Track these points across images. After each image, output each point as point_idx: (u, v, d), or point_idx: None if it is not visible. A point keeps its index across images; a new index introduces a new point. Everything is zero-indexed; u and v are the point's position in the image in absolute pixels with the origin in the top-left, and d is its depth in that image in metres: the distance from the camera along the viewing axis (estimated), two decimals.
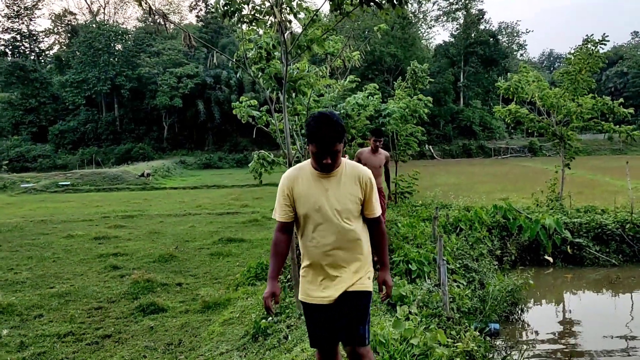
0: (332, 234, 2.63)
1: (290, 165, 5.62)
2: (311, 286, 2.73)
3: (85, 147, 47.45)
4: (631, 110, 10.82)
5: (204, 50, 48.61)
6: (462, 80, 54.41)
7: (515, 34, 65.50)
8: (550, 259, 8.68)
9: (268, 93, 6.00)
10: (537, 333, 6.08)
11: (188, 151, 48.64)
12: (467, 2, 56.55)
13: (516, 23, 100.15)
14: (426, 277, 5.87)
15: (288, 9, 5.01)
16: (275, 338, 4.53)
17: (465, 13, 56.84)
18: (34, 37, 57.57)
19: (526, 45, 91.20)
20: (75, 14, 60.75)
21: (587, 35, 10.80)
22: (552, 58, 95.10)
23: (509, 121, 12.22)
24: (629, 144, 44.64)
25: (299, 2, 5.03)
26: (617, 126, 10.84)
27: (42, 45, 59.68)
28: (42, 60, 58.82)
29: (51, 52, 60.18)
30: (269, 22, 5.14)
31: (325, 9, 5.84)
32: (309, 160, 2.69)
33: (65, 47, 58.14)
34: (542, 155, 46.96)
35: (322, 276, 2.70)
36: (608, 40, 10.50)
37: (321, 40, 5.31)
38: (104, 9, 59.54)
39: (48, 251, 9.91)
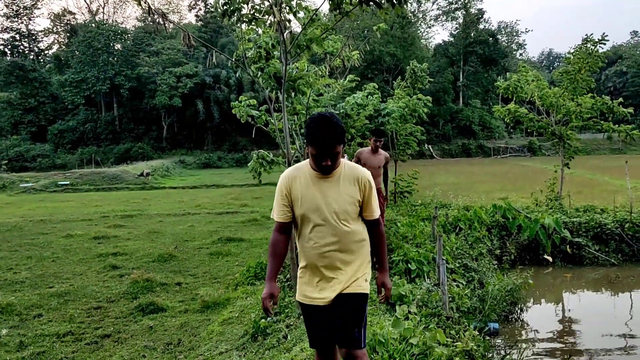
0: (330, 235, 2.60)
1: (289, 165, 5.62)
2: (308, 287, 2.72)
3: (84, 146, 47.42)
4: (630, 109, 10.83)
5: (203, 50, 48.60)
6: (461, 79, 54.42)
7: (514, 34, 65.69)
8: (550, 259, 8.69)
9: (267, 92, 6.00)
10: (536, 332, 6.08)
11: (187, 151, 48.62)
12: (466, 1, 56.59)
13: (515, 22, 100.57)
14: (425, 277, 5.87)
15: (287, 8, 5.01)
16: (275, 338, 4.53)
17: (464, 12, 56.87)
18: (33, 37, 57.51)
19: (525, 44, 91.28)
20: (74, 14, 60.80)
21: (586, 34, 10.81)
22: (551, 57, 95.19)
23: (508, 121, 12.23)
24: (628, 144, 44.66)
25: (299, 1, 5.03)
26: (617, 126, 10.85)
27: (41, 45, 59.69)
28: (41, 60, 58.76)
29: (50, 52, 60.16)
30: (268, 21, 5.14)
31: (325, 8, 5.84)
32: (308, 160, 2.66)
33: (64, 47, 58.09)
34: (542, 155, 46.98)
35: (319, 277, 2.68)
36: (607, 40, 10.51)
37: (320, 40, 5.31)
38: (103, 8, 59.57)
39: (47, 251, 9.91)
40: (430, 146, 47.79)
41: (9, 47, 55.84)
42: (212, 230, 12.00)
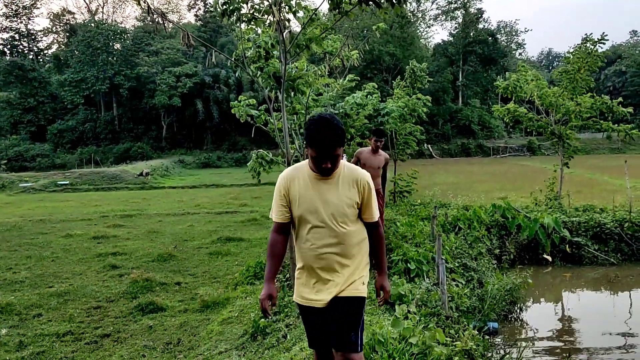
0: (327, 237, 2.58)
1: (289, 164, 5.62)
2: (305, 288, 2.70)
3: (84, 146, 47.41)
4: (630, 109, 10.84)
5: (202, 50, 48.58)
6: (460, 79, 54.44)
7: (514, 33, 65.67)
8: (549, 258, 8.69)
9: (267, 92, 6.01)
10: (536, 331, 6.09)
11: (187, 150, 48.62)
12: (465, 1, 56.61)
13: (515, 22, 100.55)
14: (425, 276, 5.87)
15: (287, 7, 5.01)
16: (274, 337, 4.53)
17: (464, 12, 56.89)
18: (33, 37, 57.51)
19: (525, 44, 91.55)
20: (73, 13, 60.84)
21: (586, 34, 10.83)
22: (550, 57, 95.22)
23: (507, 120, 12.24)
24: (627, 143, 44.72)
25: (298, 1, 5.03)
26: (616, 125, 10.86)
27: (41, 45, 59.70)
28: (41, 60, 58.72)
29: (50, 52, 60.13)
30: (268, 21, 5.15)
31: (324, 8, 5.84)
32: (308, 160, 2.63)
33: (63, 47, 58.09)
34: (541, 154, 47.01)
35: (315, 279, 2.66)
36: (607, 40, 10.52)
37: (320, 39, 5.32)
38: (103, 8, 59.74)
39: (47, 250, 9.90)
40: (429, 146, 47.80)
41: (9, 46, 55.87)
42: (212, 229, 12.00)
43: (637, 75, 57.57)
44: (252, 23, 5.24)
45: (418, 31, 60.50)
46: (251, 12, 5.10)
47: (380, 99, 10.08)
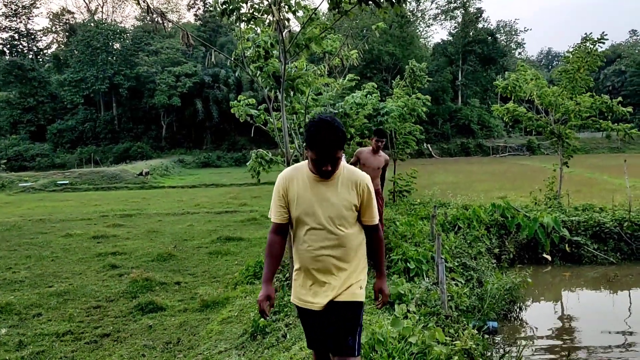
0: (324, 239, 2.56)
1: (288, 164, 5.62)
2: (302, 290, 2.68)
3: (83, 146, 47.42)
4: (629, 108, 10.85)
5: (202, 49, 48.55)
6: (460, 78, 54.46)
7: (513, 33, 65.69)
8: (549, 257, 8.70)
9: (266, 92, 6.01)
10: (535, 329, 6.09)
11: (186, 150, 48.63)
12: (465, 0, 56.59)
13: (514, 22, 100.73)
14: (424, 276, 5.88)
15: (286, 7, 5.01)
16: (274, 337, 4.53)
17: (463, 11, 56.91)
18: (32, 36, 57.46)
19: (524, 43, 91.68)
20: (73, 13, 60.79)
21: (585, 33, 10.84)
22: (550, 56, 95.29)
23: (507, 120, 12.25)
24: (627, 143, 44.80)
25: (297, 0, 5.03)
26: (615, 124, 10.86)
27: (40, 44, 59.62)
28: (40, 59, 58.69)
29: (49, 51, 60.09)
30: (267, 20, 5.14)
31: (324, 7, 5.84)
32: (307, 161, 2.60)
33: (63, 46, 58.06)
34: (541, 154, 47.04)
35: (311, 281, 2.64)
36: (607, 39, 10.53)
37: (319, 39, 5.32)
38: (102, 7, 59.74)
39: (46, 250, 9.90)
40: (429, 145, 47.82)
41: (8, 46, 55.79)
42: (211, 229, 12.00)
43: (636, 75, 57.61)
44: (252, 22, 5.24)
45: (417, 31, 60.53)
46: (251, 11, 5.11)
47: (379, 99, 10.08)
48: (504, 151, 49.10)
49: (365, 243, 2.74)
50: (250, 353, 4.41)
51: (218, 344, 4.85)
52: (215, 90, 47.25)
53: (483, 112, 53.18)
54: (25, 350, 4.96)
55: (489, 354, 4.69)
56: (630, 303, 7.27)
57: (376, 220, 2.69)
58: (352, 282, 2.63)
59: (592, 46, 10.58)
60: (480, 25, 57.00)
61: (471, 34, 55.31)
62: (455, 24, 58.07)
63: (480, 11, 56.97)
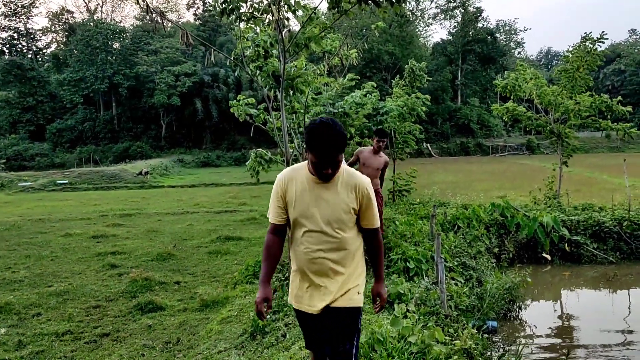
0: (321, 242, 2.52)
1: (288, 164, 5.62)
2: (299, 292, 2.66)
3: (83, 145, 47.40)
4: (629, 108, 10.85)
5: (201, 49, 48.54)
6: (459, 78, 54.46)
7: (513, 32, 65.75)
8: (548, 257, 8.70)
9: (266, 91, 6.01)
10: (535, 328, 6.10)
11: (186, 149, 48.62)
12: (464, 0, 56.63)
13: (514, 21, 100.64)
14: (424, 275, 5.88)
15: (286, 6, 5.01)
16: (274, 336, 4.53)
17: (463, 11, 56.91)
18: (32, 36, 57.46)
19: (524, 43, 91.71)
20: (72, 12, 60.78)
21: (585, 33, 10.84)
22: (549, 56, 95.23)
23: (506, 119, 12.26)
24: (626, 142, 44.82)
25: None
26: (615, 124, 10.87)
27: (40, 44, 59.63)
28: (40, 59, 58.68)
29: (49, 51, 60.06)
30: (267, 20, 5.14)
31: (323, 6, 5.83)
32: (307, 162, 2.56)
33: (62, 46, 58.00)
34: (540, 153, 47.06)
35: (308, 283, 2.61)
36: (606, 39, 10.54)
37: (319, 39, 5.31)
38: (102, 7, 59.78)
39: (46, 250, 9.90)
40: (428, 145, 47.83)
41: (7, 46, 55.79)
42: (211, 229, 11.99)
43: (636, 74, 57.65)
44: (251, 22, 5.24)
45: (417, 30, 60.57)
46: (250, 11, 5.10)
47: (379, 98, 10.10)
48: (504, 150, 49.12)
49: (365, 246, 2.72)
50: (250, 353, 4.41)
51: (217, 344, 4.85)
52: (215, 89, 47.23)
53: (482, 111, 53.20)
54: (25, 350, 4.96)
55: (489, 353, 4.70)
56: (630, 302, 7.28)
57: (376, 224, 2.65)
58: (350, 287, 2.60)
59: (591, 45, 10.59)
60: (479, 25, 57.01)
61: (471, 33, 55.31)
62: (455, 24, 58.16)
63: (479, 10, 57.00)
